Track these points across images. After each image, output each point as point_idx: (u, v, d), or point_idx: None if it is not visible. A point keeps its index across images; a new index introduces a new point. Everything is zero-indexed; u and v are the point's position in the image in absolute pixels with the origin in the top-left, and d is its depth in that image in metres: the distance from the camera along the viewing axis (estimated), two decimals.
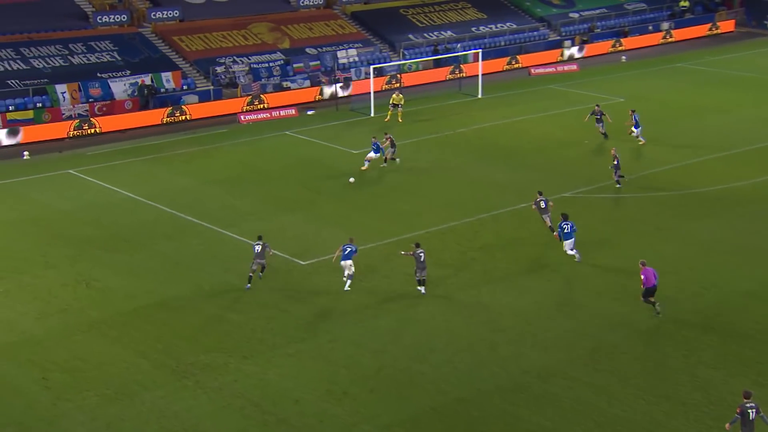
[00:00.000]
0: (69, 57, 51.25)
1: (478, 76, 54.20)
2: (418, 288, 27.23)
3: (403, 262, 29.61)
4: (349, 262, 27.50)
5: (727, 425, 19.04)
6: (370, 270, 29.14)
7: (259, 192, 37.43)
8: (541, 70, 60.49)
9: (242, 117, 50.13)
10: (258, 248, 27.80)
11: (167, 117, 49.19)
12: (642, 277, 25.08)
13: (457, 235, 31.88)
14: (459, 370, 23.03)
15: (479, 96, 53.28)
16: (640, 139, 42.23)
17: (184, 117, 49.59)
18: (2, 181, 39.80)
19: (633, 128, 42.03)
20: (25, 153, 43.86)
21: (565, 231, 29.04)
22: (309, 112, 51.34)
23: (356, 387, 22.34)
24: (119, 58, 52.19)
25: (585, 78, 57.08)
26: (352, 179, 36.70)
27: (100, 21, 54.27)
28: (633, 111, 42.58)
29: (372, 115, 49.46)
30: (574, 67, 61.04)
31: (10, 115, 46.21)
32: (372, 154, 39.10)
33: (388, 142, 39.75)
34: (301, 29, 59.30)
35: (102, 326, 25.74)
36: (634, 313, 25.71)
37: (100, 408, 21.68)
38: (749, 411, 18.51)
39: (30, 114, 46.77)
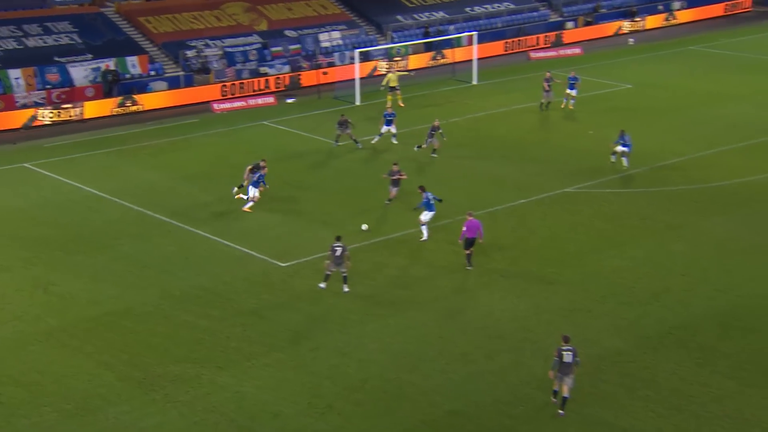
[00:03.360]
0: (23, 39, 51.01)
1: (472, 60, 54.37)
2: (321, 284, 27.85)
3: (391, 263, 29.70)
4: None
5: (549, 372, 21.69)
6: (354, 272, 29.19)
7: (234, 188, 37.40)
8: (541, 54, 60.73)
9: (215, 106, 50.12)
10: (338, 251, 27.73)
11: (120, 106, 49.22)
12: (463, 228, 28.41)
13: (451, 234, 31.93)
14: (453, 380, 23.12)
15: (474, 82, 53.43)
16: (571, 103, 45.99)
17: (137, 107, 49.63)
18: None
19: (569, 89, 46.07)
20: None
21: (430, 202, 31.18)
22: (289, 101, 51.37)
23: (341, 400, 22.40)
24: (79, 41, 52.01)
25: (589, 62, 57.31)
26: (364, 226, 32.07)
27: (57, 0, 54.04)
28: (573, 71, 46.97)
29: (357, 103, 49.51)
30: (577, 50, 61.31)
31: None
32: (253, 192, 34.38)
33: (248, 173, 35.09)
34: (280, 9, 59.27)
35: (61, 335, 25.67)
36: (643, 318, 25.89)
37: (60, 425, 21.62)
38: (564, 353, 21.45)
39: None
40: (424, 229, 31.21)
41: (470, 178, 37.65)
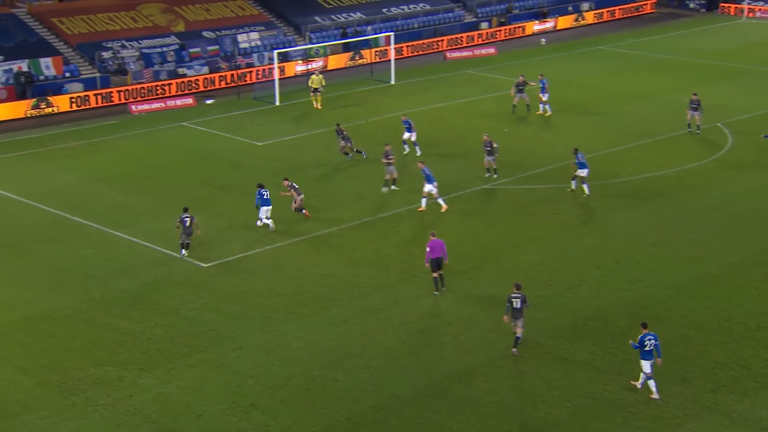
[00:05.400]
0: None
1: (390, 60, 54.55)
2: (182, 252, 29.89)
3: (313, 262, 29.58)
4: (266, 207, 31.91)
5: (504, 317, 23.88)
6: (277, 271, 29.02)
7: (154, 189, 36.81)
8: (457, 54, 61.26)
9: (133, 107, 49.20)
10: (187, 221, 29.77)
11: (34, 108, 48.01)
12: (427, 249, 26.96)
13: (373, 232, 32.03)
14: (375, 376, 23.15)
15: (392, 82, 53.60)
16: (548, 108, 45.10)
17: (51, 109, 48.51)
18: None
19: (540, 94, 45.11)
20: None
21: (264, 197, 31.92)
22: (208, 101, 50.76)
23: (265, 398, 22.22)
24: None
25: (503, 62, 58.07)
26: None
27: None
28: (541, 75, 45.67)
29: (277, 104, 49.20)
30: (491, 50, 62.04)
31: None
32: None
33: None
34: (197, 11, 58.53)
35: None
36: (558, 311, 26.32)
37: None
38: (513, 300, 23.71)
39: None
40: (267, 221, 32.05)
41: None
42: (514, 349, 23.87)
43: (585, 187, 34.88)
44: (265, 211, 32.04)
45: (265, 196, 31.99)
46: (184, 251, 29.88)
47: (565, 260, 29.63)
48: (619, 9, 73.30)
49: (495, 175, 36.84)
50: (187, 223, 29.68)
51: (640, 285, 27.90)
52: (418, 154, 39.37)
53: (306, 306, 26.79)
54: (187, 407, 21.83)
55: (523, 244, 31.02)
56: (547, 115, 45.30)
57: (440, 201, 33.42)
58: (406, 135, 40.05)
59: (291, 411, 21.71)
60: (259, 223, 32.24)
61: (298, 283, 28.24)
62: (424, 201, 33.45)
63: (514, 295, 23.81)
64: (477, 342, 24.63)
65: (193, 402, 22.03)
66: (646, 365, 21.91)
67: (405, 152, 39.99)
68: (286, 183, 33.06)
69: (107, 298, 27.39)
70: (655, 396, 21.83)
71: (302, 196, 32.96)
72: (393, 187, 35.52)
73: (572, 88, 51.32)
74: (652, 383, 21.91)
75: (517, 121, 45.39)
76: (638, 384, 22.19)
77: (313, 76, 48.69)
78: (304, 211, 32.97)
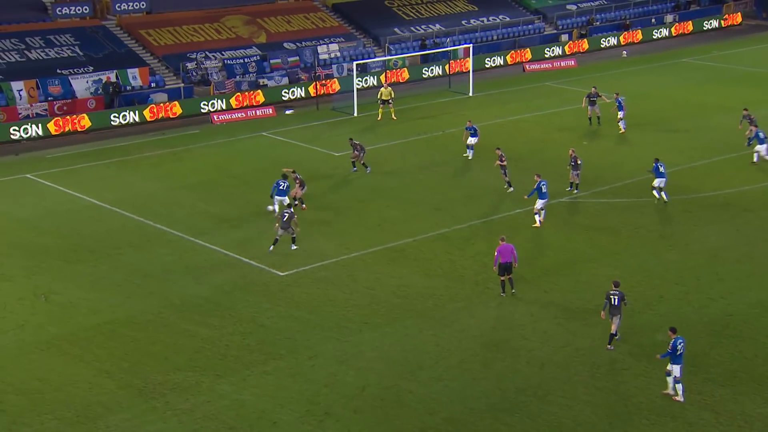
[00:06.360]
0: (26, 52, 51.09)
1: (468, 72, 54.47)
2: (270, 247, 31.05)
3: (388, 273, 29.67)
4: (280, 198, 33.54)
5: (602, 313, 24.43)
6: (353, 280, 29.19)
7: (233, 198, 37.42)
8: (536, 66, 60.83)
9: (215, 117, 50.16)
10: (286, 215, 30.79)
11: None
12: (496, 253, 27.35)
13: (448, 243, 31.99)
14: (449, 388, 23.08)
15: (470, 94, 53.50)
16: (621, 126, 44.09)
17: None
18: None
19: (618, 112, 44.14)
20: None
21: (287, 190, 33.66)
22: (287, 112, 51.44)
23: (339, 407, 22.35)
24: (81, 54, 52.10)
25: (583, 74, 57.41)
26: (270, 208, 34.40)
27: (59, 13, 54.13)
28: (617, 94, 44.84)
29: (355, 114, 49.56)
30: (571, 62, 61.42)
31: None
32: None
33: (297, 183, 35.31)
34: (279, 22, 59.42)
35: (62, 343, 25.61)
36: (636, 327, 25.86)
37: None
38: (612, 296, 24.20)
39: None
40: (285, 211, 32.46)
41: (467, 188, 37.67)
42: (609, 346, 24.34)
43: (663, 194, 34.55)
44: (279, 201, 33.62)
45: (281, 187, 33.75)
46: (271, 247, 30.94)
47: (644, 275, 29.11)
48: (704, 21, 71.75)
49: (576, 191, 36.42)
50: (285, 218, 30.62)
51: (723, 303, 27.23)
52: (470, 157, 40.75)
53: (380, 316, 26.88)
54: (262, 414, 22.09)
55: (600, 258, 30.59)
56: (620, 132, 44.29)
57: (537, 216, 33.06)
58: (471, 140, 40.68)
59: (365, 421, 21.79)
60: (270, 208, 34.01)
61: (373, 293, 28.36)
62: (537, 217, 33.09)
63: (612, 292, 24.27)
64: (552, 356, 24.37)
65: (269, 409, 22.29)
66: (676, 369, 22.07)
67: (468, 156, 40.87)
68: (293, 175, 35.13)
69: (186, 304, 27.93)
70: (680, 399, 22.09)
71: (305, 189, 34.88)
72: (510, 189, 36.55)
73: (654, 101, 50.45)
74: (680, 386, 22.07)
75: (595, 134, 44.84)
76: (670, 391, 22.26)
77: (383, 89, 48.81)
78: (303, 205, 34.75)
